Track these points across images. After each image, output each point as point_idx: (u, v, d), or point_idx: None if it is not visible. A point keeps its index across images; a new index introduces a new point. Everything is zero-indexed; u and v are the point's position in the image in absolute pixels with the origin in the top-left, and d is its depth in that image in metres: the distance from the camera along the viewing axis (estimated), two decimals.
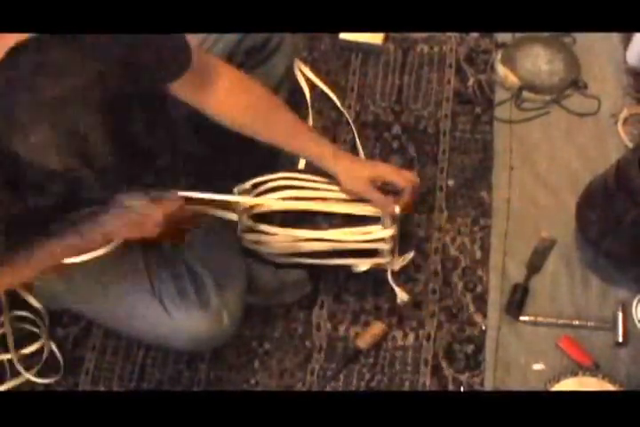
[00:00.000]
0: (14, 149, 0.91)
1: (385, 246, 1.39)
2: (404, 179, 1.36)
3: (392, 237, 1.38)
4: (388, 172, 1.36)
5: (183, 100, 1.23)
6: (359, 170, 1.34)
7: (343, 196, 1.39)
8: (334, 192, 1.39)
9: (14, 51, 0.86)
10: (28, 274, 1.17)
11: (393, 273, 1.50)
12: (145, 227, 1.14)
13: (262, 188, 1.39)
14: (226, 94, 1.25)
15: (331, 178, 1.38)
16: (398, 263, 1.49)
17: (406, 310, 1.59)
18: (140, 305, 1.31)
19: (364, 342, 1.54)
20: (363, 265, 1.46)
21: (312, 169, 1.43)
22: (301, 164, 1.63)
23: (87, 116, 0.95)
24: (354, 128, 1.78)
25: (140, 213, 1.12)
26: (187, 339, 1.33)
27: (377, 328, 1.55)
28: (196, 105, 1.25)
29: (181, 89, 1.20)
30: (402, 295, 1.52)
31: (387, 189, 1.37)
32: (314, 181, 1.41)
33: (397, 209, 1.35)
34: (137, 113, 1.06)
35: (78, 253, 1.18)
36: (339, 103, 1.81)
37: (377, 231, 1.37)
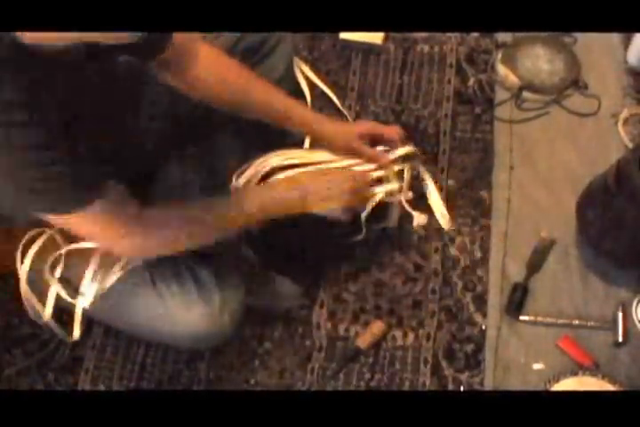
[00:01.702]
0: None
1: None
2: (389, 129, 1.43)
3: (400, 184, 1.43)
4: (374, 125, 1.43)
5: (162, 79, 1.28)
6: (346, 127, 1.40)
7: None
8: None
9: None
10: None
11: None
12: None
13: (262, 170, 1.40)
14: (203, 70, 1.29)
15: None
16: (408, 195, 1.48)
17: (406, 310, 1.59)
18: (142, 303, 1.31)
19: (363, 341, 1.54)
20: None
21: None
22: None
23: None
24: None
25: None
26: (188, 337, 1.33)
27: (376, 328, 1.55)
28: (176, 83, 1.30)
29: (161, 67, 1.25)
30: (419, 218, 1.51)
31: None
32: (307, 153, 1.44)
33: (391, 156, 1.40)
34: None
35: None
36: (338, 103, 1.81)
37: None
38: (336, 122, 1.45)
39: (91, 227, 1.09)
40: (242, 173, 1.40)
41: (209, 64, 1.30)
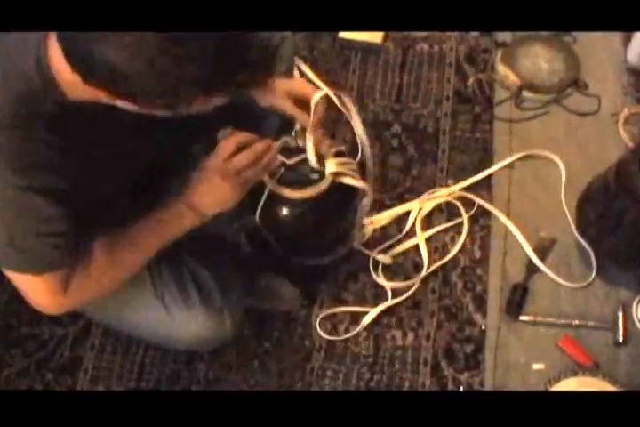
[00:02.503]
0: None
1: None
2: (314, 90, 1.34)
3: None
4: (300, 84, 1.35)
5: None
6: (276, 84, 1.31)
7: None
8: None
9: None
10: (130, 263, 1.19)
11: None
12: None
13: None
14: None
15: None
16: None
17: (406, 310, 1.58)
18: (142, 305, 1.30)
19: None
20: None
21: None
22: None
23: None
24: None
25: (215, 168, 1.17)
26: (188, 339, 1.33)
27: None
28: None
29: None
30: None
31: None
32: None
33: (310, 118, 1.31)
34: None
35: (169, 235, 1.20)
36: (337, 101, 1.80)
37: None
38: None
39: (36, 285, 1.09)
40: None
41: None
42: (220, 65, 0.89)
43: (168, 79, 0.86)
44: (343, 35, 1.89)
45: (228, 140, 1.18)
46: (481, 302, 1.58)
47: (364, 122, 1.79)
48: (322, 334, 1.56)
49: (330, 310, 1.59)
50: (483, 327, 1.56)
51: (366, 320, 1.56)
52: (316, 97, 1.30)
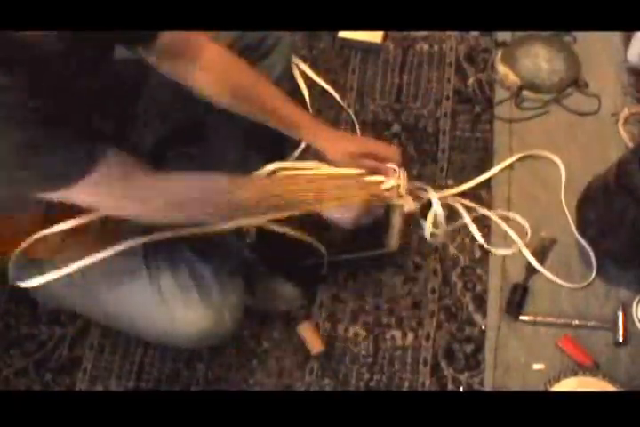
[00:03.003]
0: None
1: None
2: (386, 149, 1.39)
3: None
4: (372, 143, 1.40)
5: (167, 74, 1.28)
6: (344, 143, 1.36)
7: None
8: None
9: None
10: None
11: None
12: None
13: None
14: (206, 66, 1.28)
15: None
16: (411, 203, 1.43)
17: (405, 310, 1.58)
18: (141, 302, 1.30)
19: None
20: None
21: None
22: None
23: None
24: (356, 124, 1.78)
25: None
26: (188, 336, 1.32)
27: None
28: (179, 78, 1.29)
29: (163, 62, 1.25)
30: (409, 205, 1.44)
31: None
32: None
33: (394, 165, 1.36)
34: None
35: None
36: (339, 98, 1.81)
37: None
38: (336, 134, 1.41)
39: (92, 196, 1.08)
40: None
41: (213, 60, 1.29)
42: None
43: None
44: (343, 34, 1.89)
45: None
46: (481, 302, 1.58)
47: (364, 122, 1.80)
48: (321, 333, 1.56)
49: (329, 310, 1.59)
50: (483, 327, 1.56)
51: None
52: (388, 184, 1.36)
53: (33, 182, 1.03)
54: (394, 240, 1.47)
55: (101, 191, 1.08)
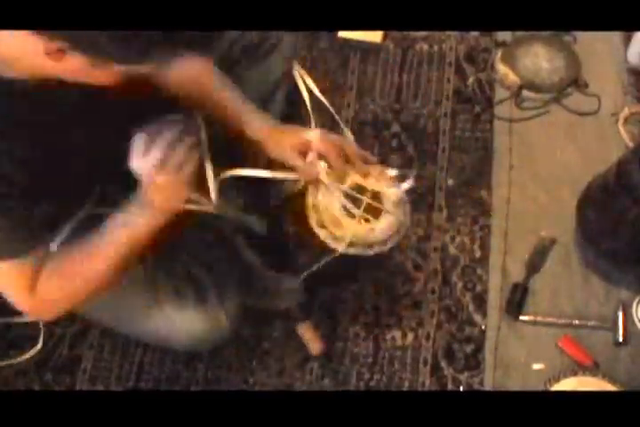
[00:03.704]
0: None
1: None
2: (326, 145, 1.25)
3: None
4: (312, 138, 1.25)
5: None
6: (283, 137, 1.26)
7: None
8: None
9: None
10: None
11: None
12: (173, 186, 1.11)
13: None
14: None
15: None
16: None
17: (405, 310, 1.58)
18: (138, 305, 1.30)
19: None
20: None
21: None
22: None
23: None
24: (348, 131, 1.75)
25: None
26: (184, 339, 1.32)
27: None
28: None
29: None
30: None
31: None
32: None
33: (322, 174, 1.25)
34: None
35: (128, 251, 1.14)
36: (333, 110, 1.79)
37: None
38: (277, 129, 1.29)
39: (6, 278, 1.07)
40: None
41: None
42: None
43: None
44: (342, 34, 1.89)
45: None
46: (481, 302, 1.58)
47: (364, 121, 1.80)
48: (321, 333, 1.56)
49: (329, 310, 1.59)
50: (483, 327, 1.56)
51: None
52: (314, 138, 1.24)
53: None
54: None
55: (16, 276, 1.06)
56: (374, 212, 1.30)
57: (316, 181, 1.26)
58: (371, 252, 1.30)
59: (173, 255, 1.32)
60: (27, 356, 1.55)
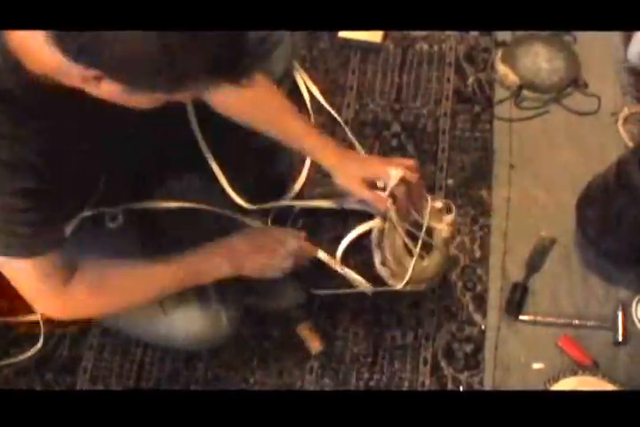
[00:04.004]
0: None
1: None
2: (403, 188, 1.26)
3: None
4: (380, 171, 1.26)
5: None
6: (352, 168, 1.27)
7: None
8: None
9: None
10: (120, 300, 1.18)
11: None
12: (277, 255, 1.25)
13: None
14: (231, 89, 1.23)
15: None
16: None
17: (405, 310, 1.58)
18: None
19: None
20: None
21: None
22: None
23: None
24: (348, 131, 1.76)
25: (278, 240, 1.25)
26: (185, 338, 1.32)
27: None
28: (205, 99, 1.25)
29: None
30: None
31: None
32: None
33: (390, 206, 1.25)
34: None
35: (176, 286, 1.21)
36: (333, 111, 1.79)
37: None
38: (347, 158, 1.29)
39: (26, 276, 1.06)
40: None
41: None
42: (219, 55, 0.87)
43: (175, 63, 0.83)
44: (342, 34, 1.88)
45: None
46: (481, 302, 1.58)
47: (364, 121, 1.80)
48: (321, 333, 1.56)
49: (328, 310, 1.59)
50: (482, 327, 1.56)
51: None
52: (393, 178, 1.23)
53: None
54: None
55: (36, 275, 1.06)
56: (427, 248, 1.33)
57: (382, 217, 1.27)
58: (422, 287, 1.36)
59: (174, 253, 1.32)
60: (27, 355, 1.55)
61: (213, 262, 1.22)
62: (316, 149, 1.30)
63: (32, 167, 0.97)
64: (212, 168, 1.37)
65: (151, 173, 1.34)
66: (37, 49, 0.87)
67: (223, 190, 1.39)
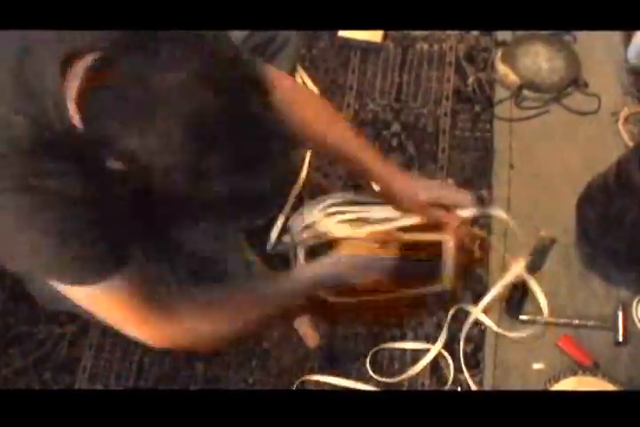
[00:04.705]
0: (131, 148, 0.85)
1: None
2: (457, 197, 1.30)
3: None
4: (444, 196, 1.29)
5: None
6: (416, 192, 1.28)
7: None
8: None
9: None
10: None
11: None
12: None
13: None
14: (281, 106, 1.14)
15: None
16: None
17: (405, 309, 1.58)
18: None
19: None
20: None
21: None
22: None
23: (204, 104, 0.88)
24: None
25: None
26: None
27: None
28: None
29: None
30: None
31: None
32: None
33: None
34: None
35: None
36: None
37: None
38: (406, 183, 1.29)
39: (108, 303, 1.02)
40: (298, 229, 1.38)
41: (287, 92, 1.18)
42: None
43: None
44: (342, 33, 1.88)
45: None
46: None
47: (364, 121, 1.80)
48: (321, 332, 1.56)
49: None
50: (482, 327, 1.55)
51: None
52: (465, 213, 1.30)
53: (53, 270, 0.99)
54: (448, 277, 1.36)
55: (118, 300, 1.02)
56: None
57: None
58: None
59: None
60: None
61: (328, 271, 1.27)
62: (377, 171, 1.29)
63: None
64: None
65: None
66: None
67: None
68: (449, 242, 1.30)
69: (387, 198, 1.33)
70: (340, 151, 1.29)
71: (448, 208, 1.29)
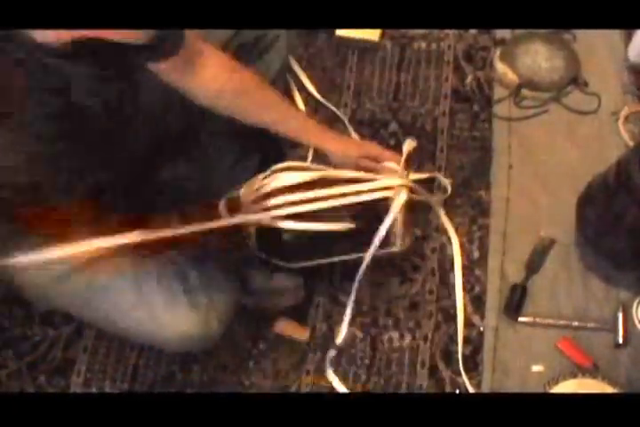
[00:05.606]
0: None
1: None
2: (387, 154, 1.45)
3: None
4: (375, 148, 1.47)
5: (169, 83, 1.25)
6: (348, 149, 1.44)
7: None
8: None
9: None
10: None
11: None
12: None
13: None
14: (212, 78, 1.27)
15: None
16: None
17: (403, 311, 1.57)
18: (127, 304, 1.28)
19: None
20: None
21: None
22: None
23: None
24: (350, 128, 1.76)
25: None
26: (173, 340, 1.30)
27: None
28: (183, 89, 1.27)
29: (167, 72, 1.22)
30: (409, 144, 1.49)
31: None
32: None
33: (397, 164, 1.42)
34: None
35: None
36: (330, 105, 1.78)
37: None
38: (341, 140, 1.48)
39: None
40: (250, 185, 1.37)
41: (215, 66, 1.27)
42: None
43: None
44: (340, 32, 1.87)
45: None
46: (479, 303, 1.57)
47: (362, 120, 1.79)
48: (317, 334, 1.55)
49: (326, 312, 1.57)
50: (481, 329, 1.54)
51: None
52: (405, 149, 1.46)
53: None
54: (399, 239, 1.39)
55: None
56: None
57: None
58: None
59: (165, 254, 1.30)
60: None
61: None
62: (310, 134, 1.43)
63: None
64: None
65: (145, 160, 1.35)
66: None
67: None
68: (399, 195, 1.35)
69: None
70: (269, 117, 1.37)
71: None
